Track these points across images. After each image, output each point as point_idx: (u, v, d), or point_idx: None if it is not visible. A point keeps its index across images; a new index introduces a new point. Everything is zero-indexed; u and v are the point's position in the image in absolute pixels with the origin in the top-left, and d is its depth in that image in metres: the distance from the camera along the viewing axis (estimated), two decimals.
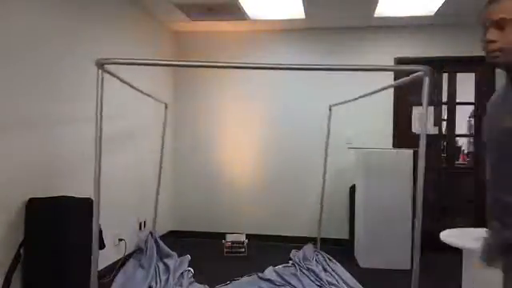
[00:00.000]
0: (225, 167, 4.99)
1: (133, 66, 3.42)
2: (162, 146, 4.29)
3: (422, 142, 2.02)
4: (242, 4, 3.99)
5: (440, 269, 3.86)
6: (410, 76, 2.20)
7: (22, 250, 2.51)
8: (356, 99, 3.54)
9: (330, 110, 4.09)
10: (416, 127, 4.61)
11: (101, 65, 2.11)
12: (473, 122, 4.84)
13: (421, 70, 2.05)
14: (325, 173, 4.23)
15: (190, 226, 5.04)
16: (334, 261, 3.87)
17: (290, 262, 3.92)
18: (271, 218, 4.83)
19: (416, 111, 4.64)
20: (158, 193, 4.29)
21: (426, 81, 2.02)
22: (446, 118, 5.04)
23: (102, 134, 2.18)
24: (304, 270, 3.63)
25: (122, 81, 2.69)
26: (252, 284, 3.37)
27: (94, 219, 2.13)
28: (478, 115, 4.64)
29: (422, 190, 1.99)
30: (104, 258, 3.39)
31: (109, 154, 3.55)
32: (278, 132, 4.88)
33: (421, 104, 2.08)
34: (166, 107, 4.24)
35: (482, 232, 2.74)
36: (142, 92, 3.39)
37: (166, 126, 4.30)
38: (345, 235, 4.69)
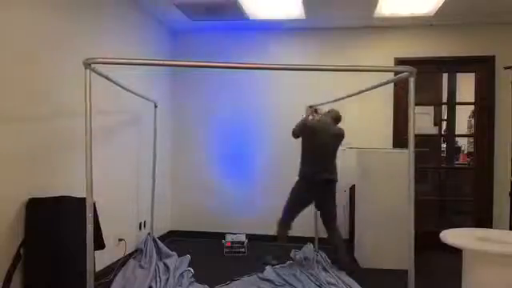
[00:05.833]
0: (225, 167, 4.99)
1: (131, 65, 3.44)
2: (155, 144, 4.30)
3: (411, 142, 2.03)
4: (242, 4, 3.99)
5: (440, 269, 3.86)
6: (396, 77, 2.21)
7: (21, 250, 2.51)
8: (336, 100, 3.59)
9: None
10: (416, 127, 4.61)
11: (88, 65, 2.12)
12: (473, 122, 4.84)
13: (405, 71, 2.06)
14: None
15: (189, 226, 5.04)
16: (334, 265, 3.85)
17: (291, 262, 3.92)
18: (271, 218, 4.82)
19: (417, 111, 4.64)
20: (153, 194, 4.30)
21: (412, 81, 2.03)
22: (445, 117, 5.04)
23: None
24: (304, 270, 3.63)
25: (110, 80, 2.69)
26: (252, 284, 3.37)
27: (88, 218, 2.13)
28: (478, 115, 4.64)
29: (414, 189, 2.01)
30: (104, 258, 3.39)
31: (108, 154, 3.55)
32: (278, 132, 4.88)
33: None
34: (155, 106, 4.26)
35: (482, 232, 2.74)
36: (130, 91, 3.40)
37: (156, 125, 4.31)
38: (345, 235, 4.68)
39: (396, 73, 2.20)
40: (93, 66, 2.16)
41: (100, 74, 2.38)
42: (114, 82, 2.86)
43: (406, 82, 2.20)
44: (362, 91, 2.96)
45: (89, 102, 2.12)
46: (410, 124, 2.03)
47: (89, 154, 2.14)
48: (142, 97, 3.84)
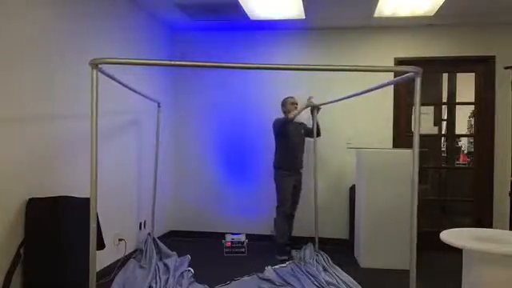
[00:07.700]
0: (224, 167, 4.99)
1: (131, 65, 3.44)
2: (157, 145, 4.29)
3: (415, 142, 2.03)
4: (242, 4, 3.99)
5: (440, 269, 3.86)
6: (401, 77, 2.21)
7: (21, 250, 2.51)
8: (339, 100, 3.59)
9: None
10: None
11: (95, 65, 2.10)
12: (473, 122, 4.84)
13: (412, 71, 2.05)
14: (315, 172, 4.28)
15: (189, 226, 5.04)
16: (334, 265, 3.85)
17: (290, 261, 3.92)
18: (271, 218, 4.82)
19: None
20: (155, 193, 4.29)
21: (418, 82, 2.03)
22: (445, 118, 5.05)
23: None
24: (304, 270, 3.63)
25: (116, 81, 2.68)
26: (252, 284, 3.37)
27: (92, 218, 2.12)
28: (478, 115, 4.63)
29: (417, 189, 2.00)
30: (104, 258, 3.39)
31: (108, 154, 3.55)
32: None
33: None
34: (158, 106, 4.25)
35: (482, 232, 2.75)
36: (135, 91, 3.38)
37: (159, 125, 4.31)
38: (345, 235, 4.69)
39: (397, 73, 2.20)
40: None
41: (107, 75, 2.37)
42: (120, 83, 2.85)
43: (406, 81, 2.21)
44: (366, 91, 2.95)
45: (95, 102, 2.12)
46: (416, 123, 2.03)
47: (94, 153, 2.14)
48: (147, 97, 3.84)
